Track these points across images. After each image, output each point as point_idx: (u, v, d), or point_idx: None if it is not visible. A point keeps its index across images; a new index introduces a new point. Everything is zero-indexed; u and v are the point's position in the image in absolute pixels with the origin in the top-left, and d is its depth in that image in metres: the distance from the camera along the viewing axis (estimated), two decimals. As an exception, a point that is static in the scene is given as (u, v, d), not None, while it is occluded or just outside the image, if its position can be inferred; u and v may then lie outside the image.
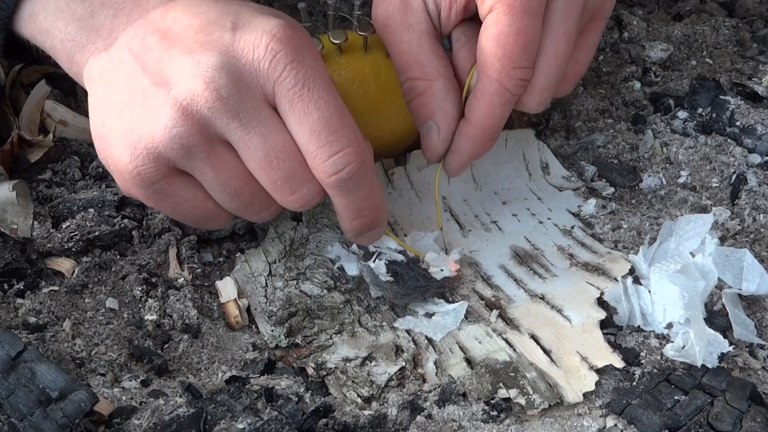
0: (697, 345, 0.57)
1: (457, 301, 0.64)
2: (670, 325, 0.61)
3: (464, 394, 0.58)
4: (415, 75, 0.62)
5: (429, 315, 0.63)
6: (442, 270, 0.65)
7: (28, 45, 0.62)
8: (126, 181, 0.56)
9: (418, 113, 0.63)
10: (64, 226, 0.66)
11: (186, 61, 0.53)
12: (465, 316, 0.63)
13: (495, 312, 0.63)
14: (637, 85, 0.83)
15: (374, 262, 0.64)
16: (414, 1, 0.62)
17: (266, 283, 0.66)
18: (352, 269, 0.65)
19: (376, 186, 0.59)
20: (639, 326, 0.62)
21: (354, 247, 0.66)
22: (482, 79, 0.60)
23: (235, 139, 0.55)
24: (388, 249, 0.66)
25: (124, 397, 0.56)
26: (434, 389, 0.59)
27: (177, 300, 0.64)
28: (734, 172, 0.74)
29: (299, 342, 0.62)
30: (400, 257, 0.65)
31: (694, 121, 0.79)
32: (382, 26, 0.63)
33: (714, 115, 0.78)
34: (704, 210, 0.71)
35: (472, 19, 0.62)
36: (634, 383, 0.58)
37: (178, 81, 0.53)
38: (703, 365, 0.57)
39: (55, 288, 0.64)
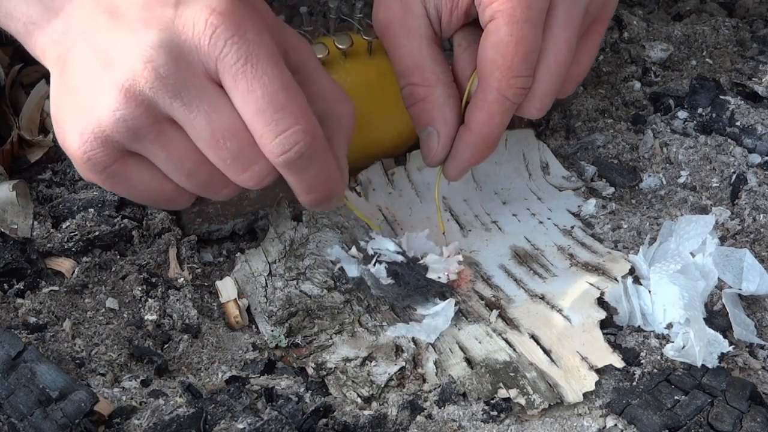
0: (697, 345, 0.57)
1: (457, 301, 0.64)
2: (670, 325, 0.61)
3: (464, 394, 0.58)
4: (414, 81, 0.62)
5: (422, 317, 0.63)
6: (439, 277, 0.65)
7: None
8: (79, 166, 0.55)
9: (418, 119, 0.63)
10: (64, 226, 0.66)
11: (128, 41, 0.52)
12: (465, 316, 0.63)
13: (495, 312, 0.63)
14: (637, 85, 0.83)
15: (374, 265, 0.64)
16: (415, 5, 0.61)
17: (266, 283, 0.66)
18: (352, 271, 0.65)
19: (328, 162, 0.56)
20: (639, 326, 0.62)
21: (353, 250, 0.66)
22: (482, 87, 0.60)
23: (180, 118, 0.53)
24: (387, 251, 0.66)
25: (124, 397, 0.56)
26: (434, 389, 0.59)
27: (177, 300, 0.64)
28: (734, 172, 0.74)
29: (299, 342, 0.62)
30: (400, 258, 0.65)
31: (694, 121, 0.79)
32: (383, 30, 0.63)
33: (714, 115, 0.78)
34: (704, 210, 0.71)
35: (473, 24, 0.62)
36: (634, 383, 0.58)
37: (121, 62, 0.52)
38: (703, 365, 0.57)
39: (55, 288, 0.64)
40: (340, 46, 0.68)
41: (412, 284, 0.64)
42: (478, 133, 0.61)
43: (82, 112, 0.54)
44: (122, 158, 0.55)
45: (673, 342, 0.60)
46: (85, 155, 0.54)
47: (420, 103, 0.62)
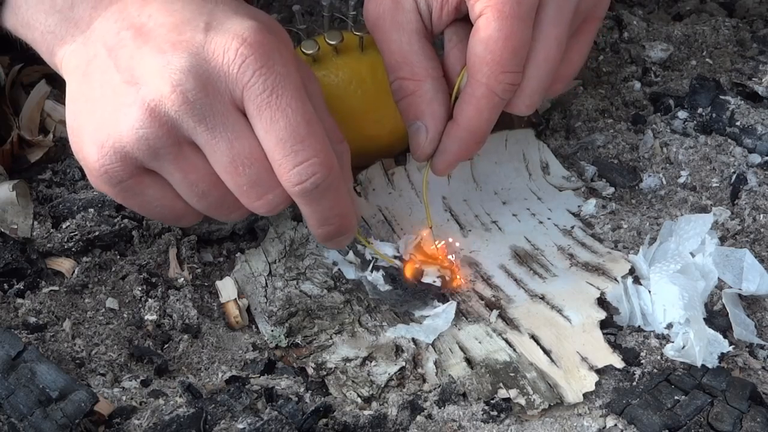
0: (697, 345, 0.57)
1: (457, 301, 0.64)
2: (670, 325, 0.61)
3: (464, 394, 0.58)
4: (404, 75, 0.62)
5: (423, 318, 0.63)
6: (435, 281, 0.65)
7: (12, 38, 0.61)
8: (94, 177, 0.56)
9: (407, 113, 0.63)
10: (64, 226, 0.66)
11: (156, 61, 0.53)
12: (465, 316, 0.63)
13: (495, 312, 0.63)
14: (637, 85, 0.83)
15: (371, 272, 0.64)
16: (405, 0, 0.61)
17: (266, 283, 0.66)
18: (350, 274, 0.65)
19: (343, 196, 0.58)
20: (639, 326, 0.62)
21: (350, 255, 0.66)
22: (471, 83, 0.60)
23: (202, 142, 0.54)
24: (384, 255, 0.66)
25: (124, 397, 0.56)
26: (434, 389, 0.59)
27: (177, 300, 0.64)
28: (734, 172, 0.74)
29: (299, 342, 0.62)
30: (397, 263, 0.65)
31: (694, 121, 0.79)
32: (373, 25, 0.63)
33: (714, 115, 0.78)
34: (704, 210, 0.71)
35: (464, 20, 0.62)
36: (634, 383, 0.58)
37: (147, 81, 0.53)
38: (703, 365, 0.57)
39: (55, 288, 0.64)
40: (331, 42, 0.68)
41: (410, 289, 0.64)
42: (465, 128, 0.61)
43: (102, 125, 0.55)
44: (139, 174, 0.56)
45: (673, 342, 0.60)
46: (103, 168, 0.55)
47: (409, 97, 0.62)
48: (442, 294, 0.65)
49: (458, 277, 0.66)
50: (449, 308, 0.63)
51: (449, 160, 0.63)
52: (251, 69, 0.53)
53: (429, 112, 0.62)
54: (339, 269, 0.66)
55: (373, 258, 0.65)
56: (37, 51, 0.60)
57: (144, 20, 0.55)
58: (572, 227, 0.70)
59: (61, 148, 0.72)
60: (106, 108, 0.54)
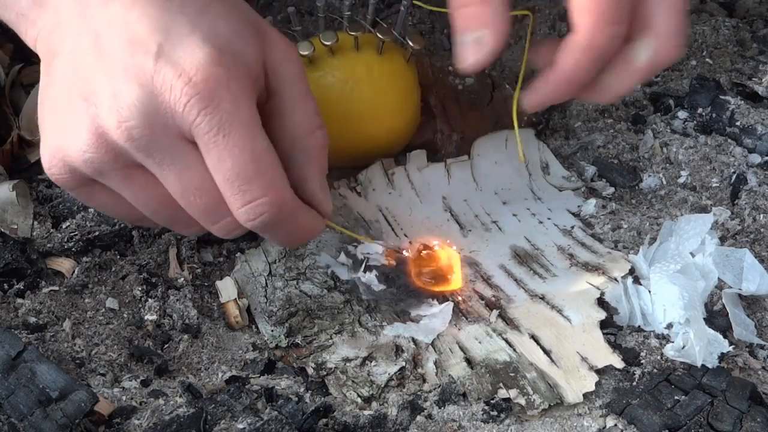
0: (697, 345, 0.57)
1: (455, 301, 0.64)
2: (670, 325, 0.61)
3: (464, 394, 0.58)
4: None
5: (419, 317, 0.63)
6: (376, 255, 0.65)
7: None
8: (50, 176, 0.56)
9: (468, 21, 0.58)
10: (64, 226, 0.66)
11: (107, 86, 0.52)
12: (465, 316, 0.63)
13: (495, 312, 0.63)
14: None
15: (364, 273, 0.64)
16: None
17: (266, 283, 0.66)
18: (344, 274, 0.65)
19: (298, 222, 0.56)
20: (639, 326, 0.62)
21: (342, 257, 0.66)
22: (573, 30, 0.56)
23: (152, 170, 0.54)
24: (376, 254, 0.66)
25: (124, 397, 0.56)
26: (434, 389, 0.59)
27: (177, 300, 0.64)
28: (734, 172, 0.74)
29: (299, 342, 0.62)
30: (379, 245, 0.65)
31: (694, 121, 0.79)
32: None
33: (714, 115, 0.78)
34: (704, 210, 0.71)
35: None
36: (634, 383, 0.58)
37: (98, 104, 0.52)
38: (703, 365, 0.57)
39: (55, 288, 0.64)
40: (326, 43, 0.68)
41: (404, 288, 0.64)
42: (562, 73, 0.58)
43: (55, 131, 0.54)
44: (89, 185, 0.55)
45: (673, 342, 0.60)
46: (53, 175, 0.55)
47: (474, 6, 0.58)
48: (439, 292, 0.65)
49: (452, 277, 0.66)
50: (446, 308, 0.63)
51: (539, 99, 0.60)
52: (196, 109, 0.51)
53: (495, 24, 0.57)
54: (332, 272, 0.66)
55: (364, 258, 0.65)
56: (17, 32, 0.59)
57: (103, 26, 0.53)
58: (572, 227, 0.70)
59: (61, 148, 0.72)
60: (61, 113, 0.54)
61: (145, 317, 0.63)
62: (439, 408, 0.57)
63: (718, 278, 0.63)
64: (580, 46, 0.56)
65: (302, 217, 0.57)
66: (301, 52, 0.68)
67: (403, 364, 0.60)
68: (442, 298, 0.65)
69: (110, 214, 0.59)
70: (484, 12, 0.58)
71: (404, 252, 0.66)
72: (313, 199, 0.58)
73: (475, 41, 0.58)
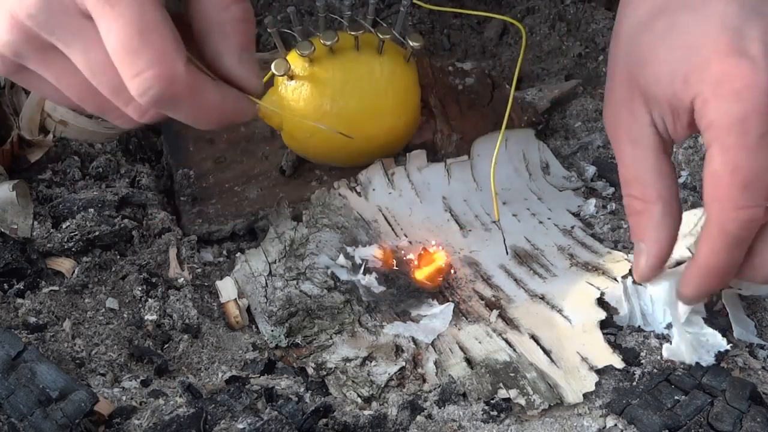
0: (681, 344, 0.58)
1: (455, 301, 0.64)
2: (670, 325, 0.61)
3: (464, 394, 0.58)
4: (634, 193, 0.58)
5: (420, 317, 0.63)
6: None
7: None
8: None
9: (633, 231, 0.59)
10: (64, 226, 0.66)
11: None
12: (465, 316, 0.63)
13: (495, 312, 0.63)
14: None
15: (364, 276, 0.65)
16: (640, 113, 0.57)
17: (266, 283, 0.66)
18: (342, 275, 0.65)
19: (203, 100, 0.54)
20: (639, 326, 0.62)
21: (341, 259, 0.66)
22: (706, 219, 0.55)
23: (63, 50, 0.53)
24: (373, 258, 0.66)
25: (124, 397, 0.56)
26: (434, 389, 0.59)
27: (177, 300, 0.64)
28: (734, 172, 0.73)
29: (299, 342, 0.62)
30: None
31: (694, 121, 0.79)
32: (610, 131, 0.59)
33: (714, 115, 0.78)
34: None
35: None
36: (634, 383, 0.58)
37: None
38: (702, 365, 0.57)
39: (55, 288, 0.64)
40: (326, 43, 0.68)
41: (405, 288, 0.64)
42: (702, 265, 0.57)
43: None
44: (19, 71, 0.56)
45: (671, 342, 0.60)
46: None
47: (636, 216, 0.58)
48: (439, 292, 0.65)
49: (438, 263, 0.66)
50: (447, 309, 0.63)
51: (693, 293, 0.59)
52: None
53: (652, 237, 0.58)
54: (332, 271, 0.66)
55: (361, 261, 0.65)
56: None
57: None
58: (572, 227, 0.70)
59: (61, 148, 0.72)
60: None
61: (145, 317, 0.63)
62: (439, 408, 0.57)
63: (718, 278, 0.63)
64: (711, 235, 0.55)
65: (210, 94, 0.54)
66: (302, 52, 0.68)
67: (403, 364, 0.60)
68: (443, 298, 0.65)
69: (51, 101, 0.60)
70: (641, 223, 0.58)
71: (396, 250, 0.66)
72: (231, 76, 0.55)
73: (637, 252, 0.59)
